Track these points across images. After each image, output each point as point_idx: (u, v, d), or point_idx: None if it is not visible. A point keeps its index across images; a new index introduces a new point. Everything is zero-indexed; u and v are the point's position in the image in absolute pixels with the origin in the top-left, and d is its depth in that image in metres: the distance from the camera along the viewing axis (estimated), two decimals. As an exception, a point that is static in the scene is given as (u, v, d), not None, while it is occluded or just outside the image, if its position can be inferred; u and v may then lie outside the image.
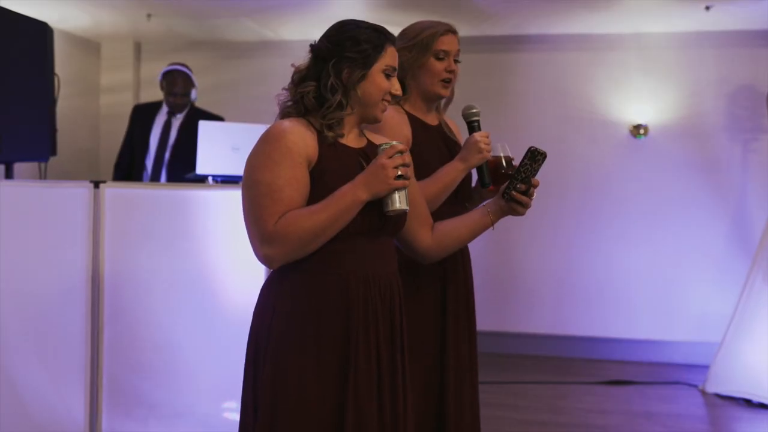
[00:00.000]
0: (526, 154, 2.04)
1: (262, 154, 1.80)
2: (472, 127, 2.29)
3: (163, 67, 4.80)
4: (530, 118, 5.64)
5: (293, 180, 1.77)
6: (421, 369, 2.24)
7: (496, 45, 5.67)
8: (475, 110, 2.30)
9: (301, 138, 1.80)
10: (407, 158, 1.82)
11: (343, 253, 1.82)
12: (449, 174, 2.24)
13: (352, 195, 1.77)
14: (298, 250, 1.77)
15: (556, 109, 5.66)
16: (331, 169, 1.81)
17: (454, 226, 2.09)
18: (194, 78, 4.75)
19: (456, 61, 2.35)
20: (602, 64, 5.62)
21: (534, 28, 5.49)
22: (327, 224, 1.75)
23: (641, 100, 5.53)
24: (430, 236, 2.06)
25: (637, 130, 5.52)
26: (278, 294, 1.84)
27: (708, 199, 5.44)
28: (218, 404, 3.16)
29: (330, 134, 1.83)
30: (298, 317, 1.80)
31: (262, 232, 1.76)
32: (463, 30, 2.45)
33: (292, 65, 1.91)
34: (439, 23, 2.34)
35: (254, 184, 1.78)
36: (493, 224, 2.11)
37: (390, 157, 1.79)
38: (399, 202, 1.80)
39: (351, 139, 1.91)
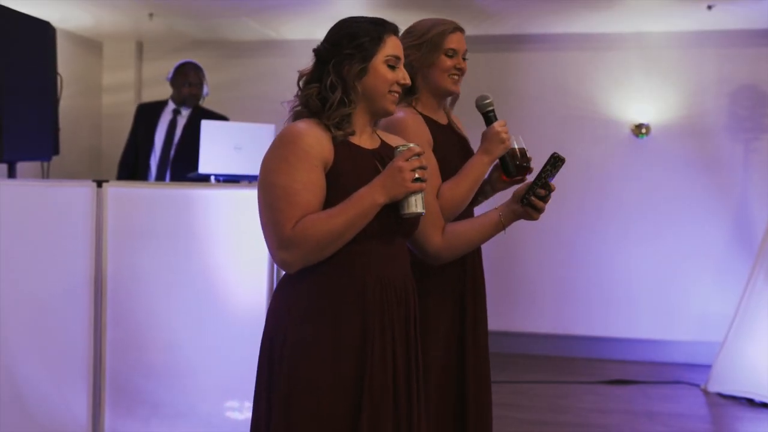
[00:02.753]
0: (549, 159, 2.04)
1: (278, 157, 1.77)
2: (489, 118, 2.27)
3: (166, 67, 4.79)
4: (532, 117, 5.64)
5: (310, 183, 1.75)
6: (438, 368, 2.25)
7: (498, 44, 5.68)
8: (489, 100, 2.28)
9: (317, 140, 1.78)
10: (424, 161, 1.80)
11: (359, 255, 1.80)
12: (476, 168, 2.23)
13: (369, 198, 1.75)
14: (316, 253, 1.75)
15: (557, 109, 5.66)
16: (346, 171, 1.80)
17: (464, 229, 2.08)
18: (206, 72, 4.76)
19: (464, 59, 2.35)
20: (604, 63, 5.62)
21: (535, 27, 5.49)
22: (345, 228, 1.74)
23: (643, 100, 5.54)
24: (440, 238, 2.05)
25: (638, 129, 5.53)
26: (294, 297, 1.82)
27: (709, 198, 5.44)
28: (221, 404, 3.16)
29: (339, 133, 1.81)
30: (315, 320, 1.78)
31: (280, 236, 1.74)
32: (464, 29, 2.44)
33: (298, 71, 1.90)
34: (446, 21, 2.33)
35: (271, 187, 1.76)
36: (504, 228, 2.09)
37: (407, 160, 1.77)
38: (415, 205, 1.79)
39: (364, 139, 1.89)
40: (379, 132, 1.98)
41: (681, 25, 5.33)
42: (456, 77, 2.32)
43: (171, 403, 3.15)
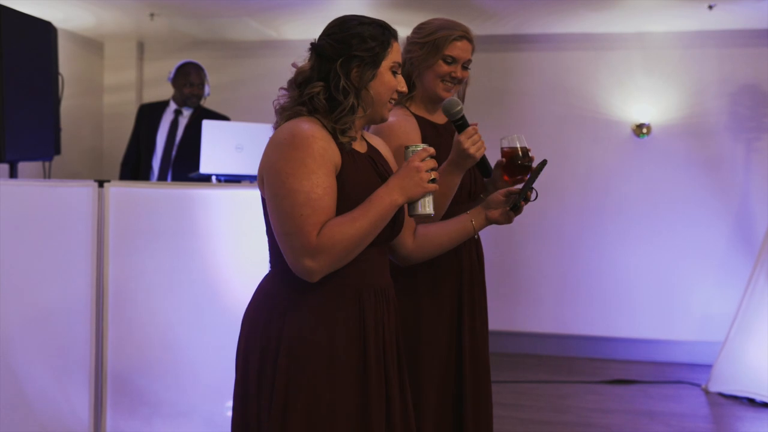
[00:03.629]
0: (539, 165, 2.04)
1: (295, 161, 1.68)
2: (459, 126, 2.14)
3: (167, 67, 4.80)
4: (533, 117, 5.64)
5: (329, 188, 1.70)
6: (438, 365, 2.25)
7: (499, 44, 5.68)
8: (458, 108, 2.12)
9: (328, 144, 1.73)
10: (435, 162, 1.79)
11: (357, 264, 1.77)
12: (443, 180, 2.10)
13: (389, 199, 1.72)
14: (342, 260, 1.70)
15: (558, 109, 5.66)
16: (350, 176, 1.77)
17: (435, 233, 2.07)
18: (207, 72, 4.77)
19: (465, 68, 2.31)
20: (605, 63, 5.62)
21: (536, 27, 5.49)
22: (368, 231, 1.70)
23: (644, 100, 5.54)
24: (412, 240, 2.04)
25: (639, 129, 5.53)
26: (288, 303, 1.77)
27: (711, 198, 5.44)
28: (222, 403, 3.16)
29: (346, 139, 1.77)
30: (312, 329, 1.74)
31: (305, 244, 1.66)
32: (473, 39, 2.41)
33: (293, 65, 1.85)
34: (456, 26, 2.28)
35: (291, 193, 1.67)
36: (476, 233, 2.10)
37: (422, 160, 1.76)
38: (427, 206, 1.79)
39: (357, 143, 1.85)
40: (365, 134, 1.95)
41: (682, 25, 5.33)
42: (449, 85, 2.29)
43: (172, 402, 3.16)
